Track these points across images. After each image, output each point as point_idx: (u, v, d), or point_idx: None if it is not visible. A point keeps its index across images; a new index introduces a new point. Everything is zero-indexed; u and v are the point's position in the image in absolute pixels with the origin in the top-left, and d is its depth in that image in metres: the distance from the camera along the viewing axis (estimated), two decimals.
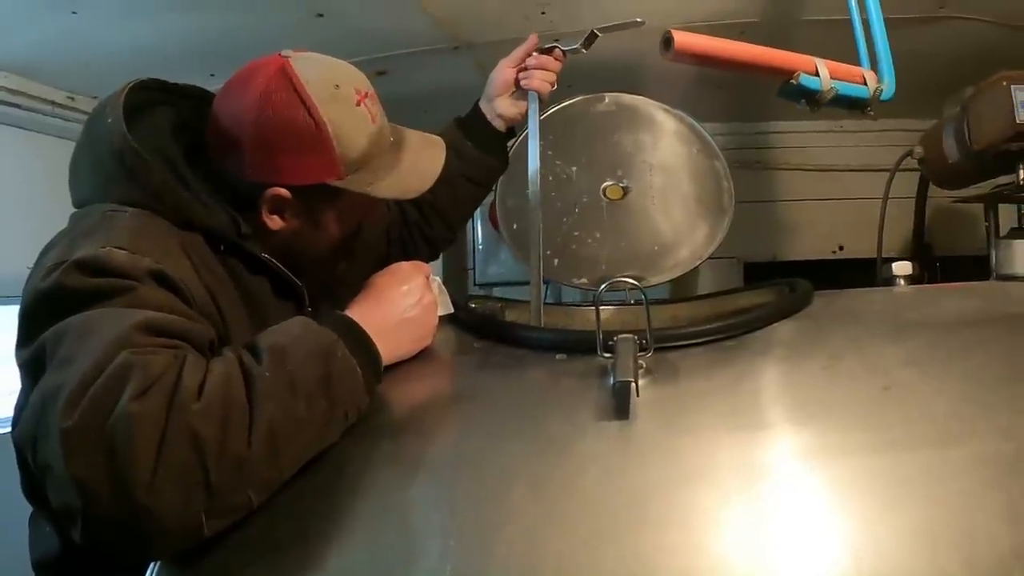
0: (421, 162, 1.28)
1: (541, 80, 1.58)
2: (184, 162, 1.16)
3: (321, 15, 1.92)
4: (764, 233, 3.24)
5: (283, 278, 1.25)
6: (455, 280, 3.36)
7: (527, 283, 1.49)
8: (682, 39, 1.43)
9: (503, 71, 1.61)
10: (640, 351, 1.03)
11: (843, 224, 3.18)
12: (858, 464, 0.90)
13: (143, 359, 0.85)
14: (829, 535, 0.83)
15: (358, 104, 1.17)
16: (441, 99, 2.79)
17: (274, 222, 1.20)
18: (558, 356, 1.13)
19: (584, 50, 1.58)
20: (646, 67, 2.20)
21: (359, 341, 1.04)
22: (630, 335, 1.05)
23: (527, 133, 1.58)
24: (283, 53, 1.16)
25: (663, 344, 1.10)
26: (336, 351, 0.99)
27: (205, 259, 1.13)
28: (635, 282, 1.07)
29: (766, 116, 3.18)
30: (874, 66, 1.65)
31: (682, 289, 2.50)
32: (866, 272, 2.26)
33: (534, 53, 1.59)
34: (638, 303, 1.73)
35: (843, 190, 3.20)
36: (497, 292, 2.88)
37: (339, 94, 1.15)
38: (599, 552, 0.83)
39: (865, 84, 1.60)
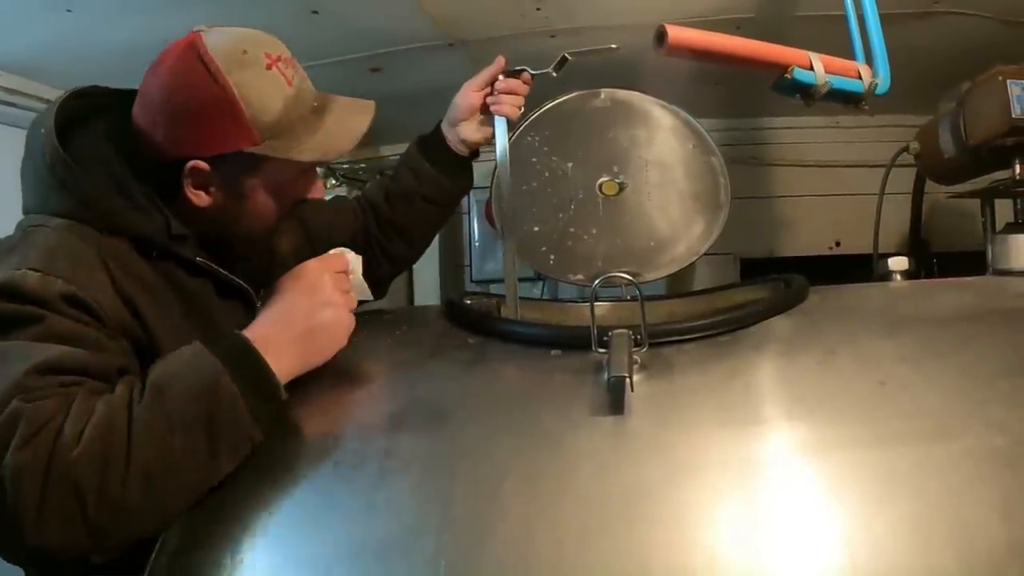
0: (346, 124, 1.25)
1: (510, 105, 1.56)
2: (124, 165, 1.16)
3: (316, 12, 1.92)
4: (761, 229, 3.24)
5: (226, 281, 1.25)
6: (451, 277, 3.36)
7: (525, 279, 1.50)
8: (676, 34, 1.43)
9: (468, 95, 1.57)
10: (635, 346, 1.03)
11: (840, 220, 3.18)
12: (853, 458, 0.90)
13: (32, 407, 0.89)
14: (823, 530, 0.84)
15: (268, 68, 1.15)
16: (435, 96, 2.80)
17: (199, 198, 1.19)
18: (553, 352, 1.13)
19: (555, 74, 1.56)
20: (642, 63, 2.20)
21: (249, 367, 1.02)
22: (625, 330, 1.05)
23: (525, 123, 1.56)
24: (196, 28, 1.16)
25: (657, 340, 1.10)
26: (219, 383, 0.98)
27: (130, 267, 1.13)
28: (630, 277, 1.07)
29: (763, 112, 3.18)
30: (869, 61, 1.65)
31: (679, 285, 2.50)
32: (863, 268, 2.26)
33: (501, 76, 1.56)
34: (633, 299, 1.74)
35: (840, 186, 3.20)
36: (494, 289, 2.87)
37: (247, 59, 1.13)
38: (592, 548, 0.84)
39: (860, 78, 1.60)
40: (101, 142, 1.18)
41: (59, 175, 1.12)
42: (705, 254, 1.92)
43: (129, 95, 1.21)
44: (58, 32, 1.89)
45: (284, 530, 0.93)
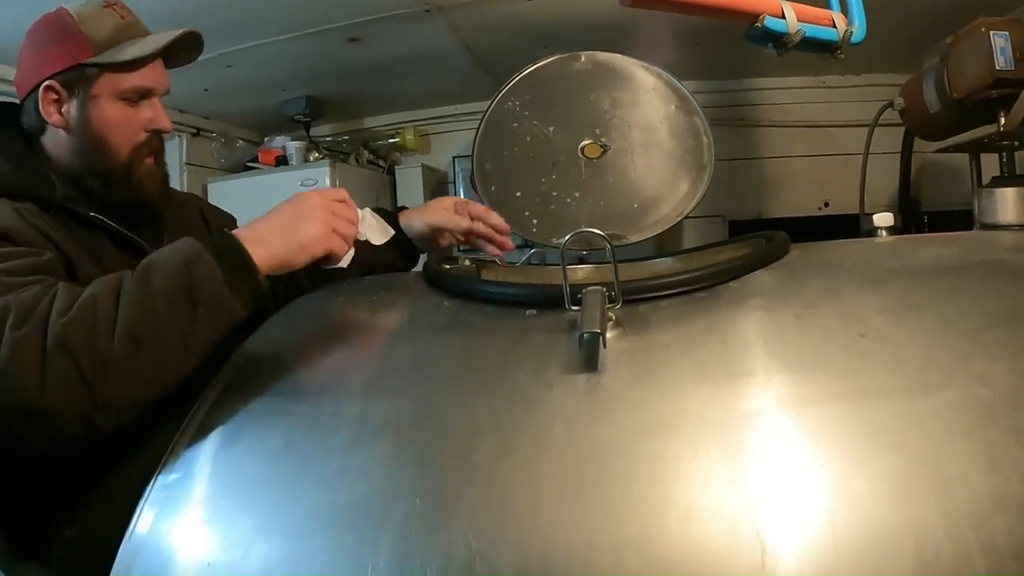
0: (166, 36, 1.38)
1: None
2: (18, 139, 1.40)
3: None
4: (749, 191, 3.24)
5: (120, 235, 1.37)
6: None
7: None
8: None
9: (456, 221, 1.66)
10: (609, 303, 1.02)
11: (828, 180, 3.18)
12: (832, 412, 0.88)
13: (16, 296, 1.03)
14: (801, 484, 0.82)
15: (106, 6, 1.36)
16: (415, 65, 2.79)
17: (53, 116, 1.36)
18: (528, 312, 1.12)
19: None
20: (623, 25, 2.18)
21: (228, 250, 1.13)
22: (598, 287, 1.03)
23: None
24: None
25: (633, 296, 1.08)
26: (198, 258, 1.09)
27: (39, 222, 1.25)
28: (603, 234, 1.05)
29: (748, 73, 3.17)
30: (844, 9, 1.62)
31: (667, 247, 2.48)
32: (852, 228, 2.25)
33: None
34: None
35: (828, 146, 3.19)
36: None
37: (89, 2, 1.36)
38: (567, 504, 0.82)
39: (834, 27, 1.57)
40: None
41: None
42: (693, 216, 1.90)
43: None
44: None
45: (258, 494, 0.93)
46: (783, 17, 1.48)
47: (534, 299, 1.13)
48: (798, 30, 1.48)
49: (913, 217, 2.99)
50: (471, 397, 0.98)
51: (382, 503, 0.87)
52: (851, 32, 1.57)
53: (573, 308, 1.02)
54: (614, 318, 1.03)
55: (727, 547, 0.78)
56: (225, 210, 1.74)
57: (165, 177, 1.49)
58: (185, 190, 3.40)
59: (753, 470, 0.83)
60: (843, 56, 1.59)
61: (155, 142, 1.44)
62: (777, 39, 1.51)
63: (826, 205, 3.24)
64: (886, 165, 2.86)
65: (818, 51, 1.59)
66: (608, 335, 0.98)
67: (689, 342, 1.01)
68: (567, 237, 1.07)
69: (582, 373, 0.95)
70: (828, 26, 1.55)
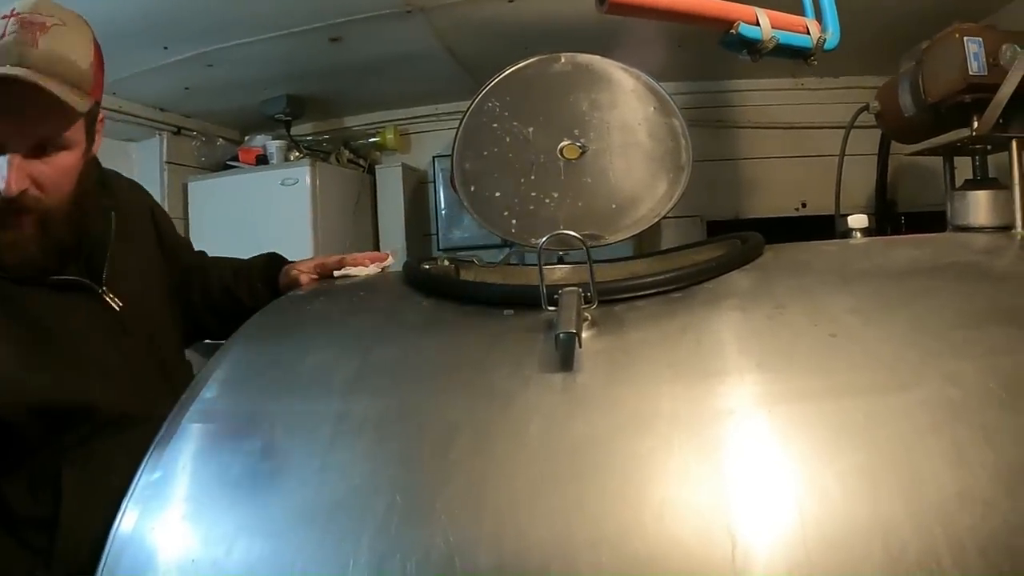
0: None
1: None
2: None
3: None
4: (727, 191, 3.27)
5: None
6: (418, 246, 3.37)
7: (492, 247, 1.49)
8: None
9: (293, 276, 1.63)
10: (585, 303, 1.03)
11: (806, 182, 3.20)
12: (802, 410, 0.90)
13: None
14: (773, 481, 0.84)
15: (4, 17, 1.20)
16: (396, 64, 2.79)
17: None
18: (506, 312, 1.13)
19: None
20: (604, 27, 2.19)
21: None
22: (575, 288, 1.05)
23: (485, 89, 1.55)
24: None
25: (609, 297, 1.09)
26: None
27: None
28: (580, 237, 1.06)
29: (728, 75, 3.20)
30: (819, 16, 1.64)
31: (646, 248, 2.50)
32: (829, 228, 2.27)
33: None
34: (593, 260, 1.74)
35: (806, 147, 3.22)
36: (462, 256, 2.87)
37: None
38: (541, 500, 0.83)
39: (808, 33, 1.58)
40: None
41: None
42: (672, 217, 1.92)
43: None
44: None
45: (240, 492, 0.94)
46: (758, 24, 1.49)
47: (511, 299, 1.14)
48: (772, 37, 1.50)
49: (890, 219, 3.02)
50: (449, 395, 0.99)
51: (362, 500, 0.88)
52: (824, 39, 1.58)
53: (550, 308, 1.04)
54: (590, 318, 1.05)
55: (700, 542, 0.79)
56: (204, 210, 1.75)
57: (62, 223, 1.33)
58: (165, 189, 3.40)
59: (726, 467, 0.85)
60: (816, 63, 1.60)
61: (25, 201, 1.25)
62: (751, 46, 1.52)
63: (803, 206, 3.26)
64: (864, 167, 2.89)
65: (792, 57, 1.60)
66: (584, 335, 1.00)
67: (664, 342, 1.02)
68: (544, 239, 1.08)
69: (558, 372, 0.97)
70: (802, 33, 1.57)
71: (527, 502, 0.84)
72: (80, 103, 1.24)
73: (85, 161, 1.35)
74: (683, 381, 0.94)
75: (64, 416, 1.26)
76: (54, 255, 1.33)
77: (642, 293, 1.12)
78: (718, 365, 0.97)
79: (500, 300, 1.15)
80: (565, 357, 0.97)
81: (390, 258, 1.52)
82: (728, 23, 1.49)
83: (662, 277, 1.14)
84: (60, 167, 1.28)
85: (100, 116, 1.40)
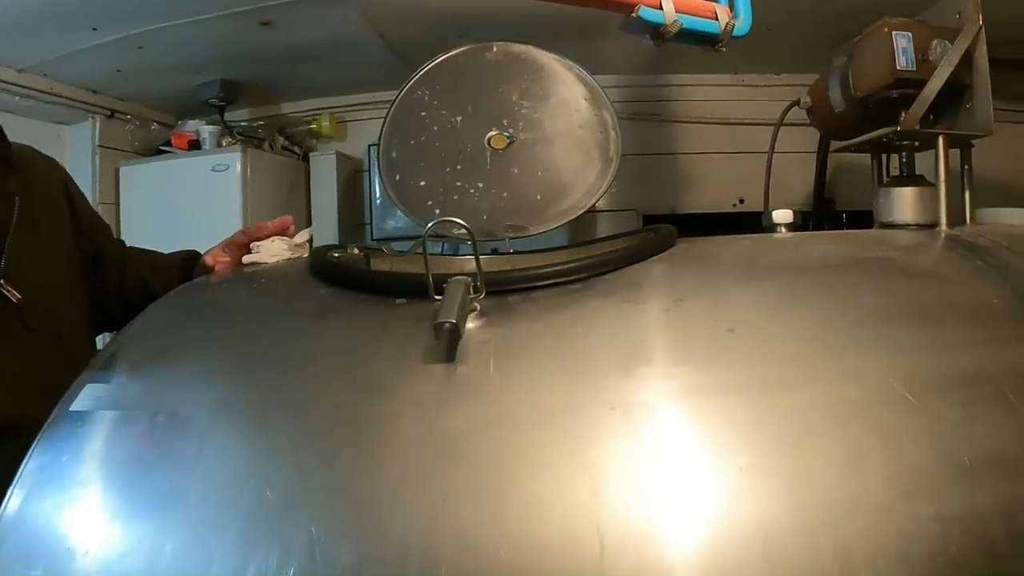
0: None
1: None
2: None
3: None
4: (664, 186, 3.24)
5: None
6: (352, 235, 3.33)
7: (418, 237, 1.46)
8: None
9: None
10: (472, 294, 1.00)
11: (744, 178, 3.20)
12: (688, 407, 0.88)
13: None
14: (649, 481, 0.81)
15: None
16: (329, 50, 2.75)
17: None
18: (397, 301, 1.09)
19: None
20: (541, 17, 2.16)
21: None
22: (462, 277, 1.01)
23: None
24: None
25: (500, 288, 1.06)
26: None
27: None
28: (466, 226, 1.02)
29: (666, 68, 3.18)
30: (731, 2, 1.61)
31: (579, 240, 2.48)
32: None
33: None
34: (513, 252, 1.71)
35: (745, 144, 3.21)
36: (396, 246, 2.85)
37: None
38: (403, 494, 0.81)
39: (716, 19, 1.55)
40: None
41: None
42: (608, 210, 1.91)
43: None
44: None
45: (121, 477, 0.93)
46: (660, 8, 1.46)
47: (398, 288, 1.10)
48: (675, 21, 1.47)
49: (828, 216, 3.02)
50: (328, 385, 0.97)
51: (232, 489, 0.87)
52: (734, 24, 1.56)
53: (437, 298, 1.00)
54: (478, 308, 1.02)
55: (566, 541, 0.77)
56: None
57: None
58: (97, 174, 3.32)
59: (600, 465, 0.82)
60: (724, 49, 1.58)
61: None
62: (654, 30, 1.49)
63: (741, 202, 3.26)
64: (804, 164, 2.89)
65: (700, 43, 1.58)
66: (470, 325, 0.98)
67: (552, 334, 0.99)
68: (429, 224, 1.04)
69: (440, 363, 0.94)
70: (710, 18, 1.54)
71: (389, 496, 0.82)
72: None
73: None
74: (564, 375, 0.92)
75: None
76: None
77: (535, 284, 1.08)
78: (604, 359, 0.94)
79: (390, 288, 1.11)
80: (447, 347, 0.94)
81: (300, 236, 1.46)
82: (630, 7, 1.45)
83: (556, 268, 1.10)
84: None
85: None
